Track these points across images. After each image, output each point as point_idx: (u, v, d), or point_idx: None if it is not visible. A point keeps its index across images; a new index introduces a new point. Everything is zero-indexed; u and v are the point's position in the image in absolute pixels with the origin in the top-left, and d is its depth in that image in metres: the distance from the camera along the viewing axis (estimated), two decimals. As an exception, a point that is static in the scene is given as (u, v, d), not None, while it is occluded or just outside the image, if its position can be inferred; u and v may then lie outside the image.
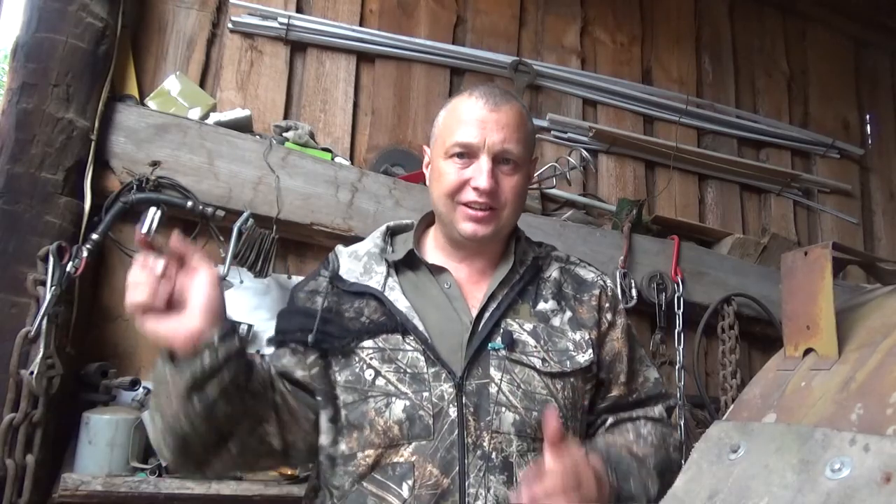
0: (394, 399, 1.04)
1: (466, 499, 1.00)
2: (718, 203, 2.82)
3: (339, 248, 1.24)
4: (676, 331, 2.30)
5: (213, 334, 0.91)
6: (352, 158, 2.25)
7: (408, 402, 1.03)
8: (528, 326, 1.11)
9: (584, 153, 2.43)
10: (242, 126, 2.00)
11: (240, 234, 1.82)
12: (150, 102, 1.95)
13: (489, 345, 1.07)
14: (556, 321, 1.14)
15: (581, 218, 2.42)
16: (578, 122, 2.60)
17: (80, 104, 1.74)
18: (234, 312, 1.95)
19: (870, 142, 3.24)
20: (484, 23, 2.56)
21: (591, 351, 1.13)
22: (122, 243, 1.84)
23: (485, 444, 1.03)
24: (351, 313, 1.11)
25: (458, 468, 1.01)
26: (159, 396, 0.95)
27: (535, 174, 2.30)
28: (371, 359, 1.07)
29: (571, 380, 1.10)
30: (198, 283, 0.91)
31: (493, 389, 1.05)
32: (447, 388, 1.04)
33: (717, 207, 2.81)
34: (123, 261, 1.88)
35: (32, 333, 1.55)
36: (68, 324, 1.68)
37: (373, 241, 1.22)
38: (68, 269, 1.62)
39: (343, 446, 1.06)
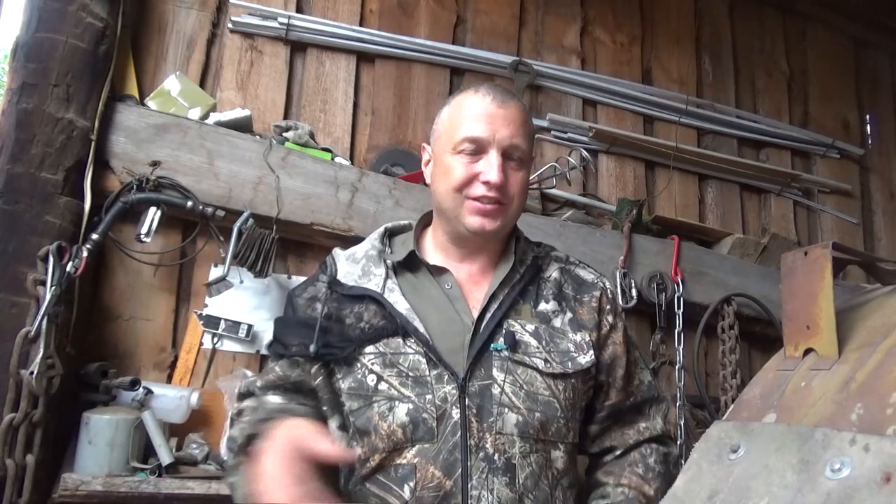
0: (397, 403, 1.04)
1: (469, 501, 1.00)
2: (718, 203, 2.82)
3: (337, 251, 1.23)
4: (676, 331, 2.30)
5: None
6: (352, 158, 2.25)
7: (411, 406, 1.03)
8: (530, 327, 1.11)
9: (584, 153, 2.43)
10: (242, 126, 2.00)
11: (240, 234, 1.82)
12: (150, 102, 1.95)
13: (491, 346, 1.07)
14: (556, 322, 1.14)
15: (581, 218, 2.42)
16: (578, 122, 2.60)
17: (80, 104, 1.74)
18: (234, 313, 1.95)
19: (870, 142, 3.24)
20: (484, 23, 2.56)
21: (591, 352, 1.13)
22: (122, 243, 1.84)
23: (487, 445, 1.02)
24: (351, 319, 1.11)
25: (460, 470, 1.01)
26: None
27: (535, 174, 2.31)
28: (373, 364, 1.06)
29: (573, 381, 1.11)
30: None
31: (495, 390, 1.05)
32: (450, 390, 1.04)
33: (717, 207, 2.81)
34: (123, 261, 1.88)
35: (32, 333, 1.55)
36: (68, 324, 1.67)
37: (371, 242, 1.22)
38: (68, 269, 1.62)
39: (358, 451, 1.06)
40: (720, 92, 2.94)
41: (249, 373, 1.84)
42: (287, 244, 2.02)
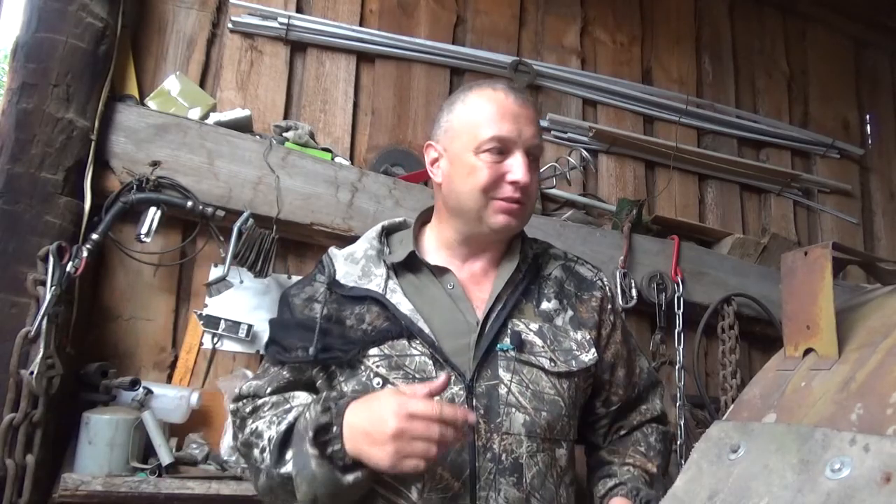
0: None
1: (477, 501, 1.00)
2: (718, 203, 2.82)
3: (333, 250, 1.21)
4: (676, 331, 2.30)
5: None
6: (352, 158, 2.25)
7: None
8: (534, 326, 1.11)
9: (584, 153, 2.43)
10: (242, 126, 2.00)
11: (240, 234, 1.82)
12: (150, 102, 1.95)
13: (498, 346, 1.07)
14: (558, 321, 1.14)
15: (581, 218, 2.42)
16: (578, 122, 2.60)
17: (80, 104, 1.74)
18: (234, 313, 1.95)
19: (870, 142, 3.24)
20: (484, 23, 2.56)
21: (592, 350, 1.14)
22: (122, 243, 1.84)
23: (495, 446, 1.02)
24: (352, 320, 1.09)
25: (468, 471, 1.00)
26: (309, 482, 0.97)
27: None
28: (378, 367, 1.05)
29: (576, 379, 1.11)
30: None
31: (502, 391, 1.05)
32: (457, 391, 1.04)
33: (717, 207, 2.81)
34: (123, 261, 1.88)
35: (32, 333, 1.54)
36: (68, 324, 1.67)
37: (368, 242, 1.20)
38: (68, 269, 1.62)
39: None
40: (720, 92, 2.94)
41: (249, 373, 1.84)
42: (287, 244, 2.02)
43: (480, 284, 1.15)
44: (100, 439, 1.58)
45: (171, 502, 1.58)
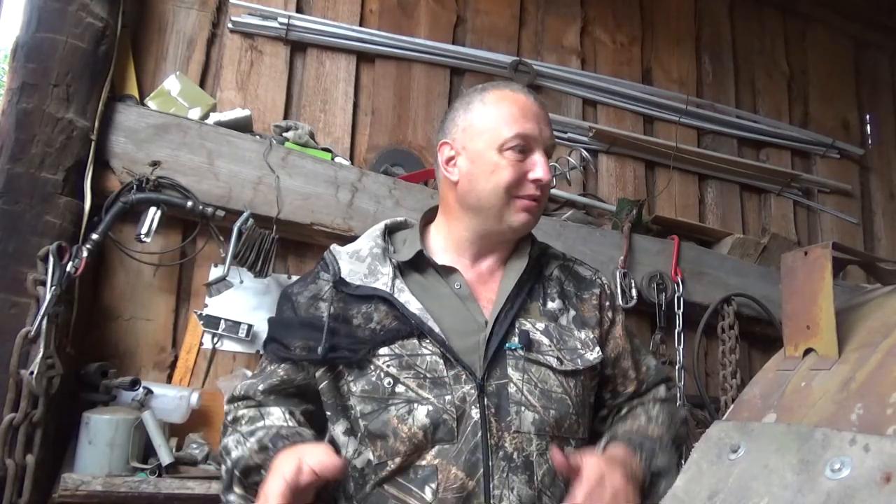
0: (416, 405, 1.03)
1: (491, 500, 1.00)
2: (718, 203, 2.82)
3: (336, 248, 1.20)
4: (676, 331, 2.30)
5: None
6: (352, 158, 2.25)
7: (430, 408, 1.02)
8: (541, 325, 1.12)
9: (584, 153, 2.43)
10: (242, 126, 2.00)
11: (240, 234, 1.81)
12: (150, 102, 1.95)
13: (506, 345, 1.07)
14: (563, 320, 1.15)
15: (581, 218, 2.42)
16: (578, 122, 2.60)
17: (80, 104, 1.74)
18: (234, 313, 1.95)
19: (870, 142, 3.24)
20: (484, 23, 2.56)
21: (597, 349, 1.14)
22: (122, 243, 1.84)
23: (506, 444, 1.03)
24: (359, 319, 1.09)
25: (482, 470, 1.01)
26: None
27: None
28: (388, 366, 1.05)
29: (582, 378, 1.11)
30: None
31: (512, 389, 1.05)
32: (468, 390, 1.04)
33: (717, 207, 2.81)
34: (123, 261, 1.88)
35: (32, 333, 1.54)
36: (68, 324, 1.67)
37: (373, 240, 1.19)
38: (68, 269, 1.62)
39: (370, 455, 1.05)
40: (720, 92, 2.94)
41: (249, 372, 1.83)
42: (287, 244, 2.02)
43: (487, 284, 1.16)
44: (100, 439, 1.58)
45: (171, 502, 1.58)
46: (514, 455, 1.02)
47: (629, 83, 2.73)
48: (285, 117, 2.21)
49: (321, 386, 1.10)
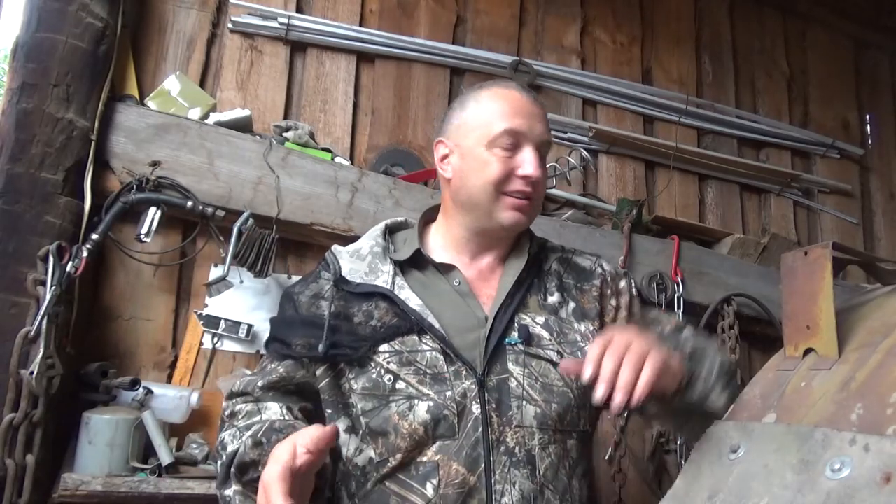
0: (416, 401, 1.03)
1: (493, 495, 1.00)
2: (718, 203, 2.82)
3: (337, 247, 1.21)
4: (676, 331, 2.29)
5: None
6: (352, 158, 2.25)
7: (431, 403, 1.03)
8: (541, 319, 1.11)
9: (584, 153, 2.43)
10: (242, 126, 2.00)
11: (240, 234, 1.81)
12: (150, 102, 1.95)
13: (506, 340, 1.07)
14: (563, 313, 1.14)
15: (581, 218, 2.42)
16: (578, 122, 2.60)
17: (80, 104, 1.74)
18: (234, 313, 1.95)
19: (870, 142, 3.24)
20: (484, 23, 2.56)
21: None
22: (122, 243, 1.84)
23: (508, 439, 1.03)
24: (360, 317, 1.09)
25: (483, 465, 1.01)
26: None
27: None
28: (389, 363, 1.05)
29: None
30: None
31: (512, 384, 1.05)
32: (469, 385, 1.04)
33: (717, 207, 2.81)
34: (123, 261, 1.88)
35: (32, 333, 1.54)
36: (68, 324, 1.67)
37: (373, 239, 1.20)
38: (68, 269, 1.62)
39: (371, 453, 1.05)
40: (720, 92, 2.94)
41: (249, 372, 1.83)
42: (287, 244, 2.02)
43: (488, 281, 1.16)
44: (100, 439, 1.58)
45: (171, 502, 1.58)
46: (516, 449, 1.02)
47: (629, 83, 2.73)
48: (285, 117, 2.21)
49: (322, 384, 1.10)
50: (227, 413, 1.14)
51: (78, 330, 1.73)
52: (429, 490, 1.00)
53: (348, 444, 1.08)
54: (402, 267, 1.15)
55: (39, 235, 1.63)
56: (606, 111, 2.69)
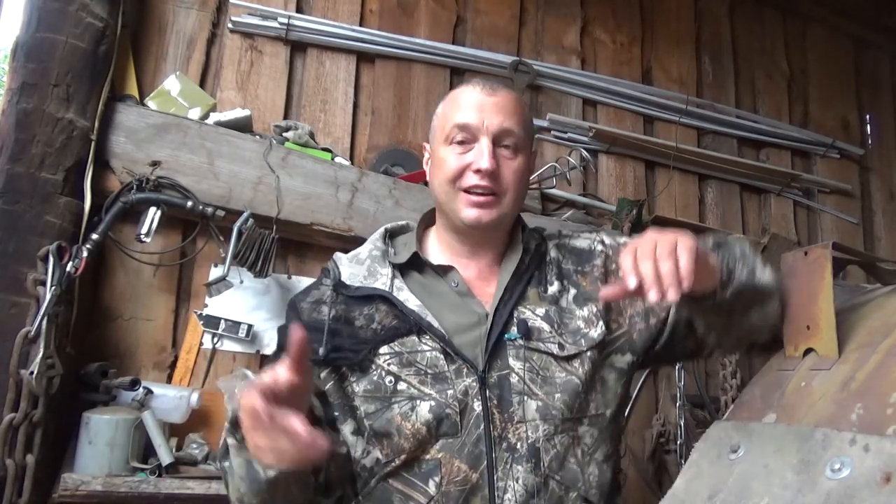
0: (418, 402, 1.03)
1: (496, 492, 0.99)
2: (718, 203, 2.82)
3: (338, 254, 1.22)
4: (676, 331, 2.29)
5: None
6: (352, 158, 2.25)
7: (433, 403, 1.03)
8: (541, 311, 1.10)
9: (584, 153, 2.43)
10: (242, 126, 2.00)
11: (240, 234, 1.81)
12: (150, 102, 1.95)
13: (506, 336, 1.06)
14: (563, 302, 1.13)
15: (581, 218, 2.42)
16: (578, 122, 2.60)
17: (80, 104, 1.74)
18: (234, 313, 1.95)
19: (870, 142, 3.24)
20: (484, 23, 2.56)
21: (600, 324, 1.12)
22: (122, 243, 1.84)
23: (510, 435, 1.02)
24: (362, 321, 1.09)
25: (485, 462, 1.00)
26: (233, 476, 0.97)
27: (535, 174, 2.30)
28: (389, 365, 1.05)
29: (588, 354, 1.09)
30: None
31: (514, 379, 1.04)
32: (470, 383, 1.03)
33: (717, 207, 2.81)
34: (123, 261, 1.88)
35: (32, 333, 1.54)
36: (68, 324, 1.67)
37: (373, 243, 1.20)
38: (68, 269, 1.62)
39: (378, 454, 1.05)
40: (720, 92, 2.94)
41: (249, 372, 1.84)
42: (287, 244, 2.02)
43: (488, 279, 1.15)
44: (100, 439, 1.58)
45: (171, 502, 1.58)
46: (518, 445, 1.02)
47: (629, 83, 2.73)
48: (285, 117, 2.21)
49: (327, 387, 1.10)
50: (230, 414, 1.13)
51: (78, 330, 1.73)
52: (431, 487, 1.00)
53: (356, 446, 1.08)
54: (402, 270, 1.15)
55: (39, 235, 1.63)
56: (606, 111, 2.69)
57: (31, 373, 1.51)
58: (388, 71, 2.38)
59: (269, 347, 1.97)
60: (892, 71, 3.39)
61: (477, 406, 1.03)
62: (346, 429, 1.08)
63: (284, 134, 2.05)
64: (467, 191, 1.09)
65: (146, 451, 1.65)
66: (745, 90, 3.01)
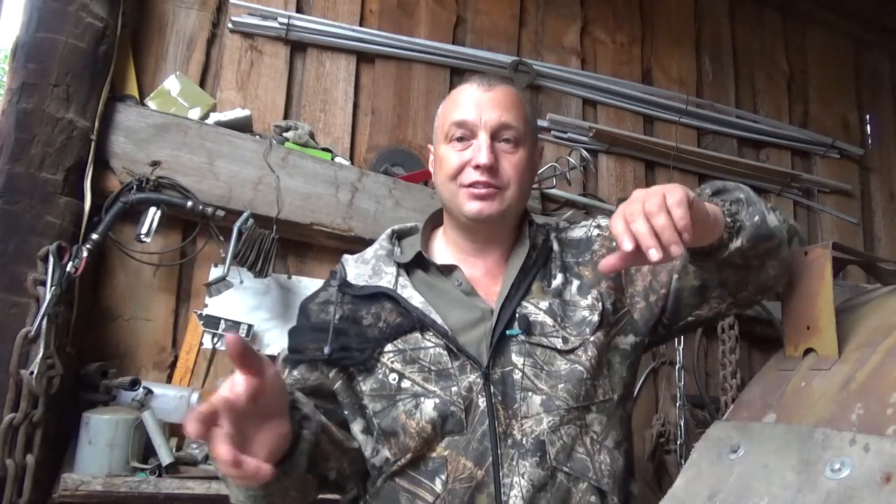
0: (422, 399, 1.03)
1: (502, 489, 0.99)
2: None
3: (346, 256, 1.22)
4: (676, 331, 2.29)
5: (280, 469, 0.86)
6: (352, 158, 2.25)
7: (437, 400, 1.02)
8: (544, 304, 1.09)
9: (584, 153, 2.43)
10: (242, 126, 2.00)
11: (240, 234, 1.81)
12: (150, 102, 1.95)
13: (507, 331, 1.06)
14: (566, 294, 1.12)
15: (581, 218, 2.42)
16: (578, 122, 2.60)
17: (80, 104, 1.74)
18: (234, 313, 1.95)
19: (870, 142, 3.24)
20: (484, 23, 2.56)
21: (599, 304, 1.10)
22: (122, 243, 1.84)
23: (515, 431, 1.01)
24: (369, 319, 1.10)
25: (491, 459, 1.00)
26: (228, 485, 0.97)
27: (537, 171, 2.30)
28: (393, 362, 1.05)
29: (591, 339, 1.07)
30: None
31: (517, 375, 1.04)
32: (474, 379, 1.03)
33: (718, 207, 2.81)
34: (123, 261, 1.88)
35: (32, 333, 1.54)
36: (68, 324, 1.67)
37: (379, 244, 1.21)
38: (68, 269, 1.62)
39: (387, 453, 1.05)
40: (720, 92, 2.94)
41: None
42: (287, 244, 2.02)
43: (496, 277, 1.15)
44: (100, 439, 1.58)
45: (171, 502, 1.58)
46: (523, 440, 1.01)
47: (629, 83, 2.73)
48: (285, 117, 2.21)
49: (336, 386, 1.10)
50: None
51: (78, 330, 1.73)
52: (437, 485, 1.00)
53: (366, 446, 1.08)
54: (408, 270, 1.15)
55: (39, 235, 1.63)
56: (606, 111, 2.69)
57: (31, 373, 1.51)
58: (388, 71, 2.38)
59: (270, 347, 1.97)
60: (892, 71, 3.39)
61: (481, 402, 1.02)
62: (357, 428, 1.08)
63: (284, 134, 2.05)
64: (469, 186, 1.09)
65: (146, 451, 1.65)
66: (745, 90, 3.01)
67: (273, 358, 1.93)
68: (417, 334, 1.06)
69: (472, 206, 1.09)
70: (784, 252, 1.02)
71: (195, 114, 1.97)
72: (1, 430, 1.49)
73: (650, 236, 0.80)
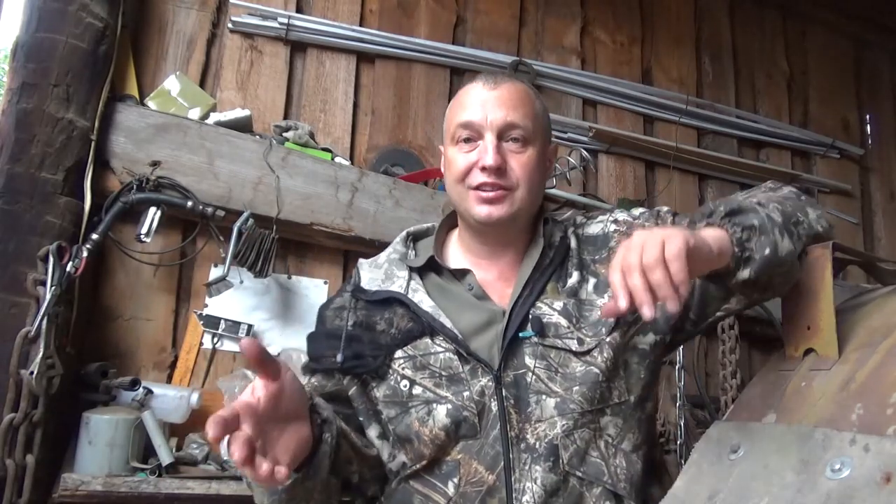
0: (435, 405, 1.02)
1: (513, 494, 0.98)
2: (718, 203, 2.82)
3: (361, 260, 1.21)
4: (676, 331, 2.29)
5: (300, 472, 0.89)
6: (352, 158, 2.25)
7: (450, 406, 1.01)
8: (559, 305, 1.06)
9: (584, 153, 2.43)
10: (242, 126, 2.00)
11: (240, 234, 1.81)
12: (150, 102, 1.95)
13: (520, 334, 1.04)
14: (582, 294, 1.09)
15: (581, 218, 2.41)
16: (578, 122, 2.60)
17: (80, 104, 1.74)
18: (234, 313, 1.95)
19: (870, 142, 3.25)
20: (484, 23, 2.56)
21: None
22: (122, 243, 1.84)
23: (528, 436, 1.00)
24: (382, 325, 1.08)
25: (503, 463, 0.99)
26: (251, 487, 0.98)
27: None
28: (404, 369, 1.04)
29: (607, 340, 1.05)
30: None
31: (530, 378, 1.02)
32: (486, 383, 1.02)
33: (717, 207, 2.81)
34: (123, 261, 1.88)
35: (32, 333, 1.54)
36: (68, 324, 1.67)
37: (393, 247, 1.20)
38: (68, 269, 1.62)
39: (403, 458, 1.05)
40: (720, 92, 2.94)
41: (249, 372, 1.84)
42: (287, 244, 2.02)
43: (510, 280, 1.12)
44: (100, 439, 1.58)
45: (171, 502, 1.58)
46: (536, 445, 0.99)
47: (629, 83, 2.73)
48: (285, 117, 2.21)
49: (351, 392, 1.09)
50: None
51: (78, 330, 1.73)
52: (450, 488, 1.00)
53: (382, 450, 1.08)
54: (421, 273, 1.13)
55: (39, 235, 1.63)
56: (606, 111, 2.69)
57: (31, 373, 1.51)
58: (388, 71, 2.38)
59: (270, 348, 1.97)
60: (892, 71, 3.39)
61: (493, 406, 1.01)
62: (373, 433, 1.08)
63: (284, 134, 2.05)
64: (476, 189, 1.07)
65: (146, 451, 1.65)
66: (745, 90, 3.01)
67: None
68: (427, 339, 1.05)
69: (482, 210, 1.06)
70: (796, 272, 0.99)
71: (195, 114, 1.97)
72: (1, 430, 1.49)
73: (645, 292, 0.80)
